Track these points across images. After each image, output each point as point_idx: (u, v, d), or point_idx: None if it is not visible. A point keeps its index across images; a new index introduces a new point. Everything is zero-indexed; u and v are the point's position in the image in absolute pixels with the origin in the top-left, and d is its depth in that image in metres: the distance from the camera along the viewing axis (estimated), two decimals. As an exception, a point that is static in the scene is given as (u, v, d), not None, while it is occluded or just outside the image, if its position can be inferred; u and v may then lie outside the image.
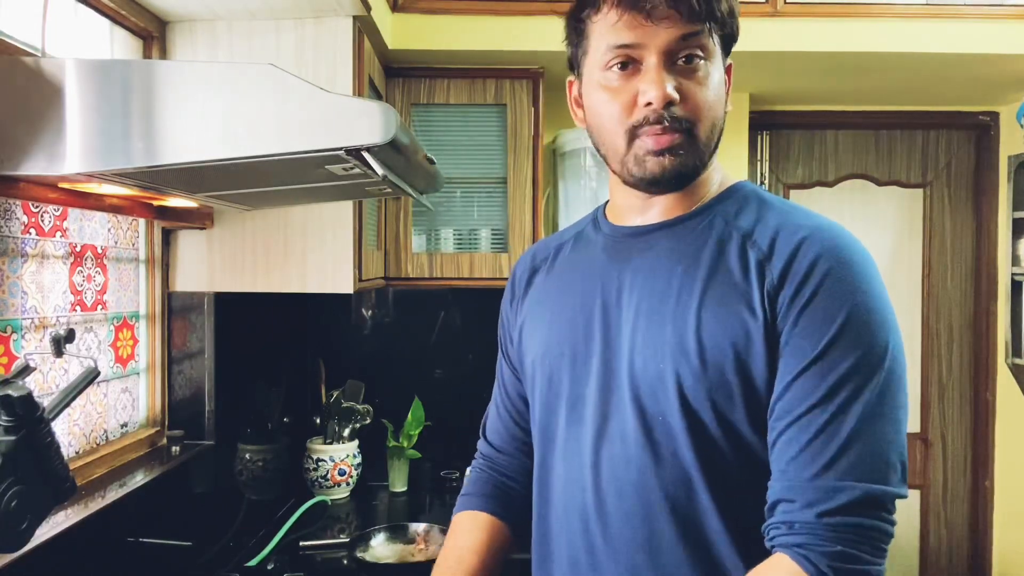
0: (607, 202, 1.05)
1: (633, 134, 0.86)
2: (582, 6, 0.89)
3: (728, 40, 0.89)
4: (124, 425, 1.68)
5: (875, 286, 0.82)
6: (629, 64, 0.85)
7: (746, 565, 0.83)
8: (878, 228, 2.88)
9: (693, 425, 0.84)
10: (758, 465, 0.84)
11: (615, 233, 0.99)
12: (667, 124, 0.84)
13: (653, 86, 0.83)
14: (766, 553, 0.81)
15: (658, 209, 0.94)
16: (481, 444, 1.17)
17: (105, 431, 1.60)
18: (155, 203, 1.51)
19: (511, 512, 1.09)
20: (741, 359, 0.82)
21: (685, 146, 0.85)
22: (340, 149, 1.01)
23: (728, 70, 0.93)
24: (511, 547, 1.09)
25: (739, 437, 0.84)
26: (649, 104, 0.84)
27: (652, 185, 0.89)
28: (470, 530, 1.07)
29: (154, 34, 1.67)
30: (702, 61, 0.85)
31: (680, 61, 0.85)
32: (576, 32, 0.92)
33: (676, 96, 0.83)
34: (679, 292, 0.87)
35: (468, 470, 1.19)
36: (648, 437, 0.87)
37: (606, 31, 0.86)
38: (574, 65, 0.95)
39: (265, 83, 1.01)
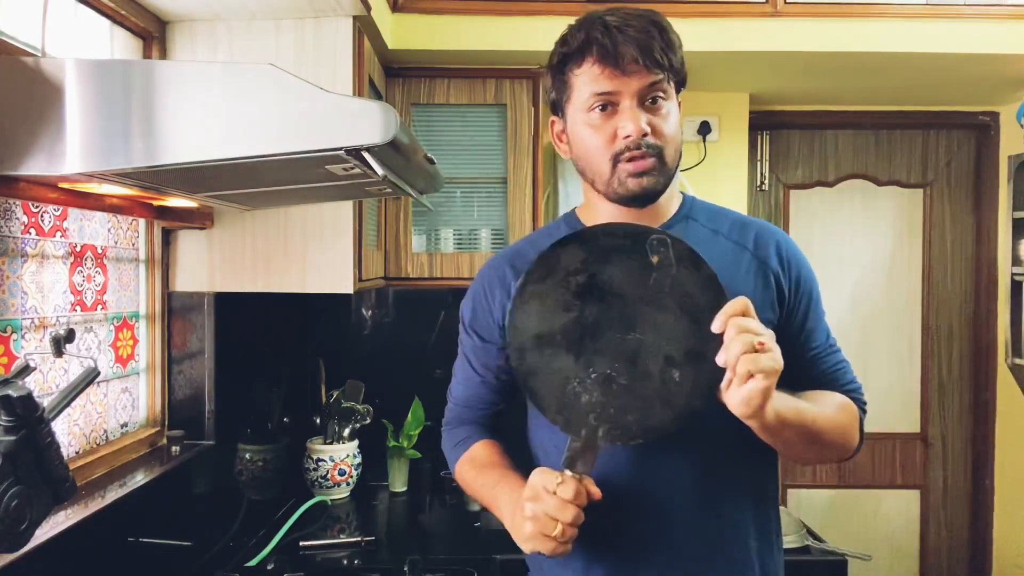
0: (576, 209, 1.21)
1: (616, 160, 1.06)
2: (565, 62, 1.08)
3: (680, 83, 1.11)
4: (124, 425, 1.68)
5: None
6: (608, 106, 1.06)
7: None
8: (878, 228, 2.88)
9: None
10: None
11: None
12: (643, 150, 1.05)
13: (631, 123, 1.04)
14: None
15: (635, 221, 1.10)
16: (453, 415, 1.32)
17: (105, 431, 1.60)
18: (155, 203, 1.51)
19: (500, 435, 1.27)
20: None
21: (657, 168, 1.06)
22: (340, 149, 1.01)
23: (678, 106, 1.14)
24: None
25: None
26: (628, 136, 1.04)
27: (632, 201, 1.09)
28: (485, 448, 1.23)
29: (154, 34, 1.67)
30: (664, 101, 1.07)
31: (648, 102, 1.06)
32: (560, 82, 1.10)
33: (648, 129, 1.04)
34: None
35: (443, 432, 1.34)
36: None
37: (589, 81, 1.05)
38: (557, 109, 1.14)
39: (265, 83, 1.01)
